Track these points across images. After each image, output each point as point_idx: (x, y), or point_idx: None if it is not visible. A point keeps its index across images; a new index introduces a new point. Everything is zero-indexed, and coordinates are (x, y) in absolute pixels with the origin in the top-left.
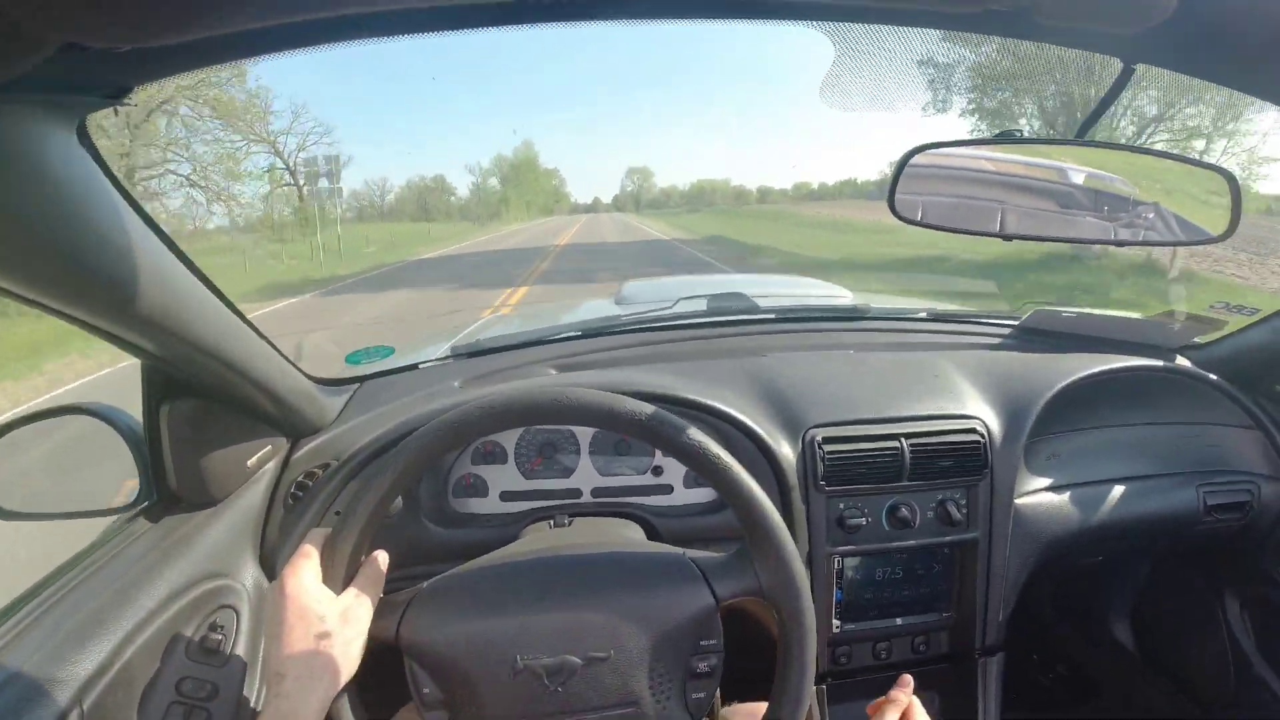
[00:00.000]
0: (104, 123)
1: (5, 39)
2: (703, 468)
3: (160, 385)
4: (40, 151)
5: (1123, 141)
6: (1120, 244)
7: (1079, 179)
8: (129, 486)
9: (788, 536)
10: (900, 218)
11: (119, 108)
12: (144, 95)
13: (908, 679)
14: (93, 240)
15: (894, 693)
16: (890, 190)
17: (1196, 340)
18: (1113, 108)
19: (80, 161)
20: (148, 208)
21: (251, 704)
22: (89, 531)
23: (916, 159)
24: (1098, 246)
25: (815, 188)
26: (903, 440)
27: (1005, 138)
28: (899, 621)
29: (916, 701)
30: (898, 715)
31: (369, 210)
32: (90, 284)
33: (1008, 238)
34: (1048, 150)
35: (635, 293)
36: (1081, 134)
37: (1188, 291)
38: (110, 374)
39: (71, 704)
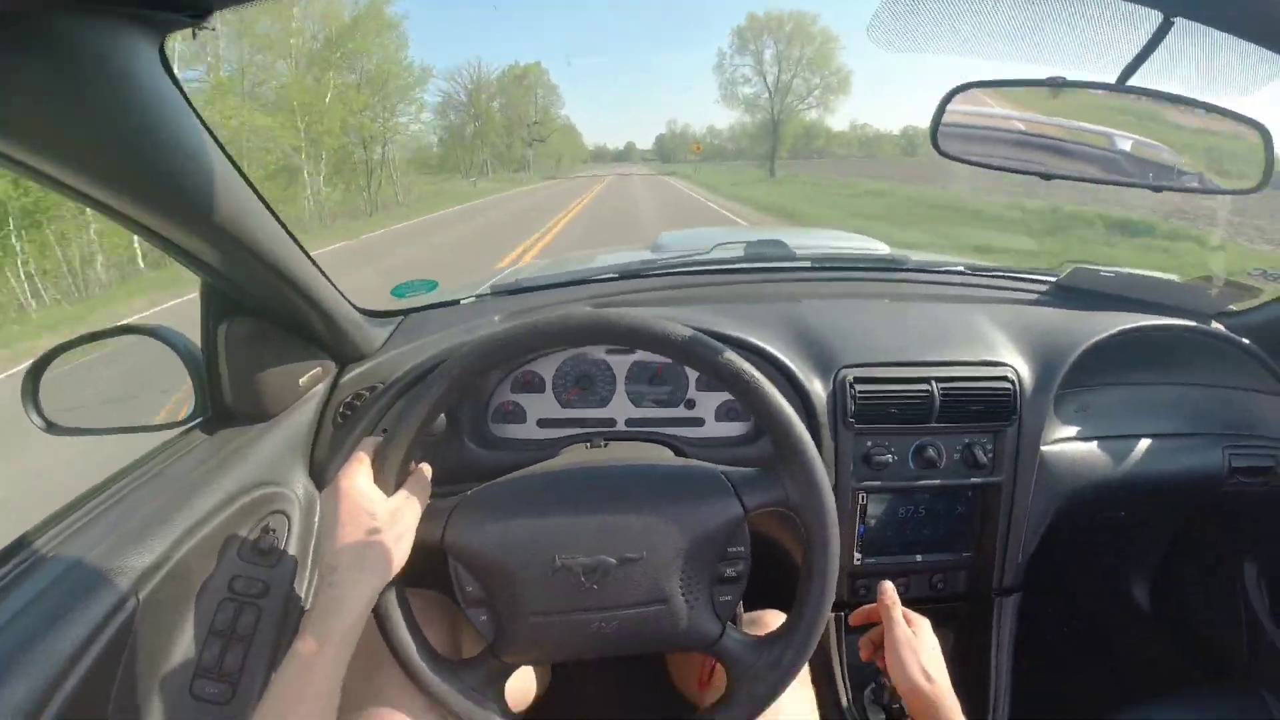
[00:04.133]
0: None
1: None
2: (736, 386)
3: (219, 304)
4: (124, 64)
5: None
6: (1156, 188)
7: (1121, 131)
8: (178, 403)
9: (815, 452)
10: (943, 153)
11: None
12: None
13: (886, 585)
14: (168, 153)
15: (884, 601)
16: (933, 126)
17: (1232, 306)
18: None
19: (159, 79)
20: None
21: (301, 602)
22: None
23: (961, 96)
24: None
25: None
26: (933, 383)
27: (1051, 81)
28: (919, 559)
29: (896, 609)
30: (900, 614)
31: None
32: (164, 193)
33: (1048, 177)
34: (1090, 95)
35: (672, 241)
36: (1123, 81)
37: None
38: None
39: (129, 593)
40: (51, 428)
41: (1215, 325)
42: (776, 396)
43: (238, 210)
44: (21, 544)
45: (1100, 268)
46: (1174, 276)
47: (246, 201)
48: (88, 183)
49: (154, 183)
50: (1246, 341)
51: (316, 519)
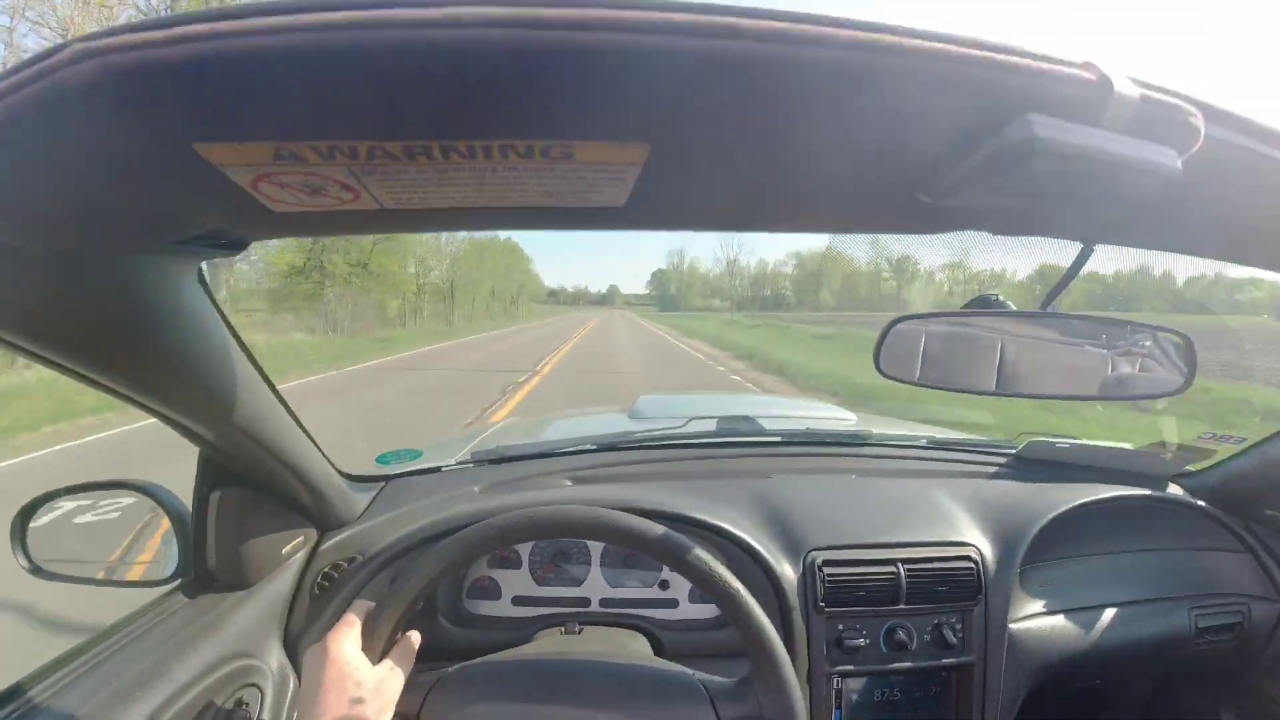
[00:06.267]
0: None
1: (179, 224)
2: (713, 591)
3: (214, 473)
4: (170, 288)
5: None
6: (1098, 399)
7: (1056, 343)
8: (152, 559)
9: (790, 667)
10: (886, 376)
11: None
12: None
13: None
14: (196, 358)
15: None
16: (876, 353)
17: (1188, 468)
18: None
19: (197, 295)
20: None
21: None
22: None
23: (899, 326)
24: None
25: None
26: (899, 565)
27: (980, 303)
28: None
29: None
30: None
31: None
32: (187, 391)
33: (1000, 394)
34: (1018, 321)
35: (649, 408)
36: (1046, 305)
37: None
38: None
39: None
40: (37, 571)
41: (1172, 489)
42: (749, 605)
43: (245, 398)
44: (6, 699)
45: (1055, 440)
46: (1127, 445)
47: (254, 388)
48: (117, 380)
49: (174, 380)
50: (1203, 504)
51: (290, 692)
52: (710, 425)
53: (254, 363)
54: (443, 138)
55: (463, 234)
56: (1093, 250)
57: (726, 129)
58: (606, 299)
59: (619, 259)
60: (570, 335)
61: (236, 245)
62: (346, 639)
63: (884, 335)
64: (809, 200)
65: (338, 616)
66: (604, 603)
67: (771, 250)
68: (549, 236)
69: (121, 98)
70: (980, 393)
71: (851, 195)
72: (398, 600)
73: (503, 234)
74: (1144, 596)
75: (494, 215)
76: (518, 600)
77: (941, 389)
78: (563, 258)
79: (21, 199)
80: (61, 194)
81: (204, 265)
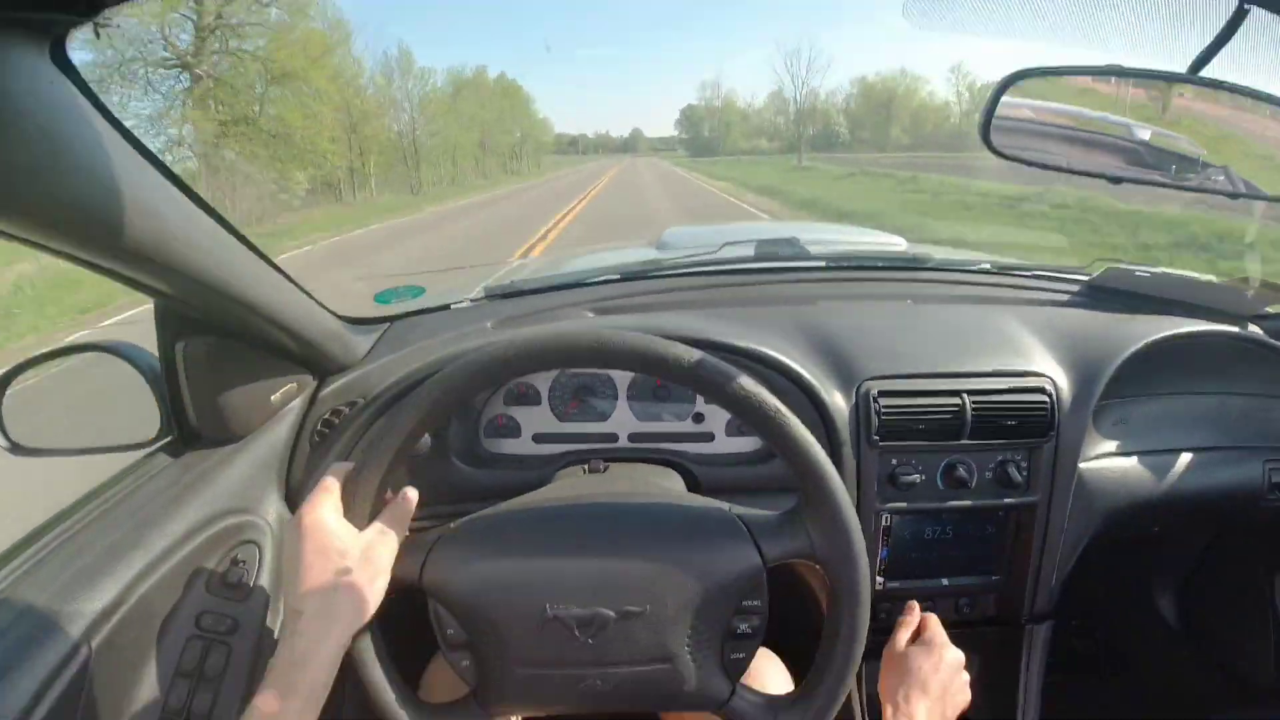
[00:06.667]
0: None
1: None
2: (755, 419)
3: (174, 323)
4: (11, 76)
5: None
6: (1228, 194)
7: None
8: (145, 422)
9: (847, 498)
10: (995, 150)
11: (99, 28)
12: None
13: (913, 604)
14: (80, 171)
15: (903, 617)
16: (984, 120)
17: (1269, 309)
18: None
19: (58, 85)
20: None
21: (275, 637)
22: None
23: (1016, 86)
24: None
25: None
26: (965, 397)
27: (1113, 69)
28: (945, 582)
29: (931, 617)
30: (909, 633)
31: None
32: (82, 219)
33: (1116, 180)
34: (1157, 85)
35: (677, 238)
36: (1195, 70)
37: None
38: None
39: (81, 640)
40: (16, 449)
41: (1253, 329)
42: (801, 431)
43: (173, 227)
44: None
45: (1134, 267)
46: (1211, 277)
47: (182, 214)
48: None
49: (65, 208)
50: None
51: None
52: (747, 250)
53: (182, 186)
54: None
55: (440, 73)
56: (1248, 11)
57: None
58: (629, 145)
59: (643, 97)
60: (573, 198)
61: (89, 5)
62: (323, 505)
63: (995, 99)
64: None
65: (338, 461)
66: (633, 437)
67: (820, 79)
68: (560, 73)
69: None
70: (1100, 176)
71: None
72: (379, 455)
73: (493, 70)
74: (1219, 443)
75: None
76: (539, 438)
77: (1062, 170)
78: (579, 101)
79: None
80: None
81: (65, 44)
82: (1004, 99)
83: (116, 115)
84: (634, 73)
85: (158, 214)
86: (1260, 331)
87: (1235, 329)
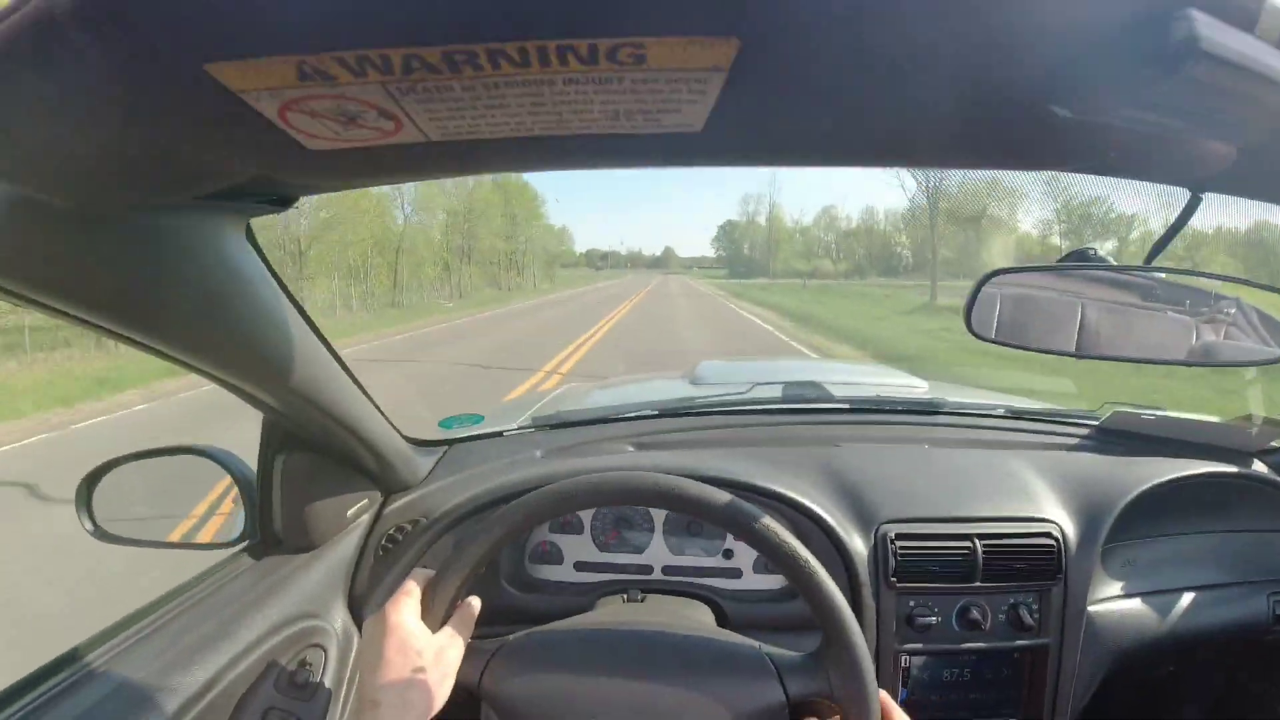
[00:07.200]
0: None
1: (210, 170)
2: (781, 561)
3: (279, 438)
4: (216, 247)
5: (1189, 266)
6: (1190, 364)
7: (1151, 301)
8: (220, 524)
9: (863, 642)
10: (977, 336)
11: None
12: None
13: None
14: (251, 320)
15: None
16: (967, 309)
17: (1274, 444)
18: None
19: (246, 255)
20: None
21: None
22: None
23: (993, 280)
24: None
25: None
26: (976, 540)
27: (1078, 257)
28: None
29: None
30: None
31: None
32: (245, 356)
33: (1081, 357)
34: (1118, 275)
35: (710, 373)
36: (1150, 260)
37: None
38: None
39: (175, 715)
40: (102, 535)
41: (1257, 465)
42: (821, 576)
43: (304, 363)
44: (73, 656)
45: (1140, 410)
46: (1214, 418)
47: (313, 353)
48: (169, 345)
49: (234, 348)
50: None
51: (353, 653)
52: (775, 391)
53: (311, 325)
54: (489, 40)
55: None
56: (1200, 200)
57: (833, 16)
58: (660, 263)
59: (676, 213)
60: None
61: (283, 201)
62: (406, 607)
63: (975, 292)
64: (922, 117)
65: (401, 578)
66: (667, 570)
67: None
68: (592, 186)
69: (113, 12)
70: (1069, 355)
71: (973, 102)
72: (459, 567)
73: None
74: (1223, 580)
75: (553, 147)
76: (580, 566)
77: (1028, 349)
78: (611, 215)
79: (30, 142)
80: (74, 137)
81: (252, 224)
82: (983, 290)
83: (283, 278)
84: (668, 186)
85: (302, 354)
86: (1264, 468)
87: (1237, 468)
